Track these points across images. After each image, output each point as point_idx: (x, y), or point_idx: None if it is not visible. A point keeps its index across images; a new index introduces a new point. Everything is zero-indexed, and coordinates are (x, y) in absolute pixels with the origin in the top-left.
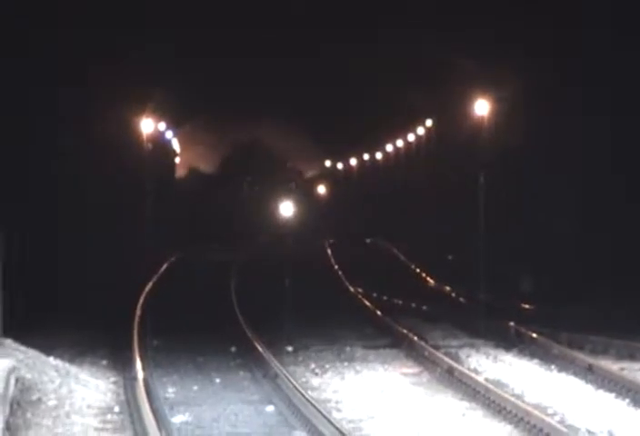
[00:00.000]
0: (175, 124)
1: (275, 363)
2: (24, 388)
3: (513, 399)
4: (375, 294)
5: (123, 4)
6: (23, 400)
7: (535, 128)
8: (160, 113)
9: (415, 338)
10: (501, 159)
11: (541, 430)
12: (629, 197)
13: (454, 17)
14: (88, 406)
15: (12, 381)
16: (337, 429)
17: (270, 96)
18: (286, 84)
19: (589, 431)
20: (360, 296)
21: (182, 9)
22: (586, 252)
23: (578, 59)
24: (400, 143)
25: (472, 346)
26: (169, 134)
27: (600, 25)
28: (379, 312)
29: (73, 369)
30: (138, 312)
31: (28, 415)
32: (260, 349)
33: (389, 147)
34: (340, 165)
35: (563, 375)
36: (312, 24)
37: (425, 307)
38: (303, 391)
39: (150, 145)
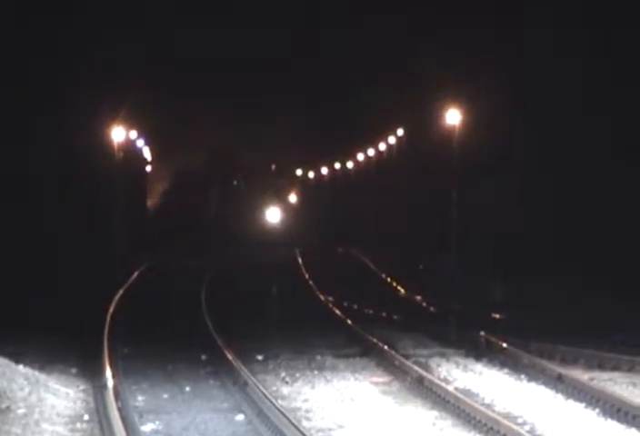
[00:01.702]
0: (148, 133)
1: (244, 372)
2: None
3: (482, 408)
4: (345, 303)
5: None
6: None
7: (509, 134)
8: (132, 122)
9: (386, 347)
10: (473, 167)
11: None
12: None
13: (428, 24)
14: (58, 414)
15: None
16: None
17: (241, 104)
18: (259, 93)
19: None
20: (331, 305)
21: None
22: (557, 261)
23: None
24: (371, 152)
25: (442, 355)
26: (140, 143)
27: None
28: (350, 322)
29: (42, 377)
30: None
31: None
32: (230, 357)
33: (360, 156)
34: (311, 174)
35: (533, 385)
36: (287, 34)
37: (395, 316)
38: (273, 400)
39: (121, 154)
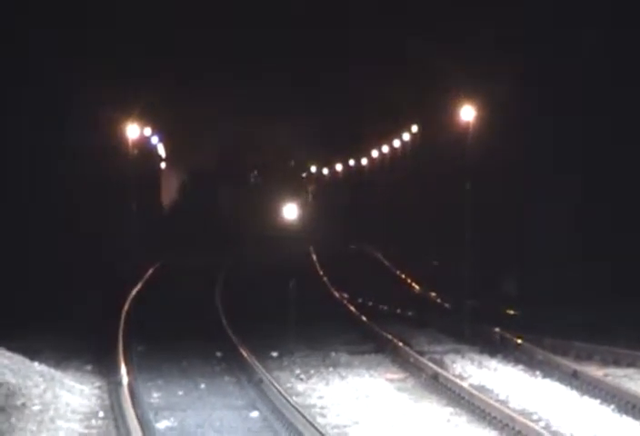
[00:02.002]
0: (162, 128)
1: (259, 369)
2: (8, 393)
3: (497, 404)
4: (360, 300)
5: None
6: (7, 405)
7: (523, 132)
8: (147, 118)
9: (400, 343)
10: (488, 163)
11: None
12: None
13: (443, 23)
14: (73, 411)
15: None
16: (322, 434)
17: (257, 101)
18: (273, 91)
19: None
20: (345, 302)
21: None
22: (572, 258)
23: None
24: (386, 148)
25: (457, 352)
26: (155, 140)
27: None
28: (364, 318)
29: (57, 374)
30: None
31: (13, 420)
32: (244, 354)
33: (375, 153)
34: (326, 171)
35: (547, 381)
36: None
37: (410, 313)
38: (287, 397)
39: (136, 151)
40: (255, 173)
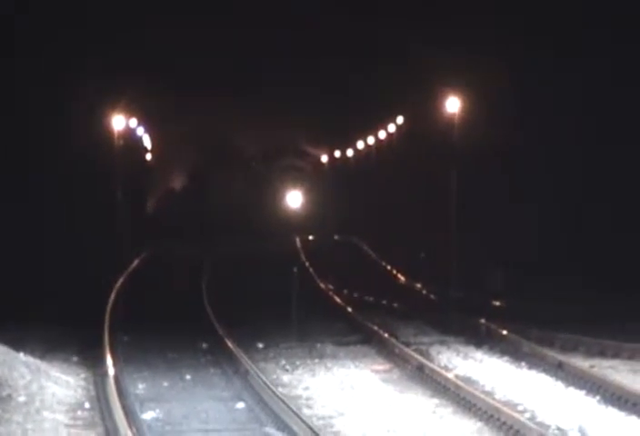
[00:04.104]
0: (148, 120)
1: (245, 360)
2: None
3: (483, 396)
4: (345, 291)
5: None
6: None
7: (508, 125)
8: (132, 109)
9: (386, 335)
10: (474, 156)
11: (511, 426)
12: (599, 195)
13: (430, 12)
14: (59, 402)
15: None
16: (308, 425)
17: (239, 93)
18: (257, 83)
19: (559, 428)
20: (331, 293)
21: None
22: (557, 249)
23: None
24: (371, 140)
25: (442, 343)
26: (140, 131)
27: (597, 25)
28: (350, 309)
29: (43, 365)
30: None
31: None
32: (230, 345)
33: (360, 144)
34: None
35: (533, 372)
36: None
37: (396, 304)
38: (273, 388)
39: (121, 142)
40: (257, 158)
